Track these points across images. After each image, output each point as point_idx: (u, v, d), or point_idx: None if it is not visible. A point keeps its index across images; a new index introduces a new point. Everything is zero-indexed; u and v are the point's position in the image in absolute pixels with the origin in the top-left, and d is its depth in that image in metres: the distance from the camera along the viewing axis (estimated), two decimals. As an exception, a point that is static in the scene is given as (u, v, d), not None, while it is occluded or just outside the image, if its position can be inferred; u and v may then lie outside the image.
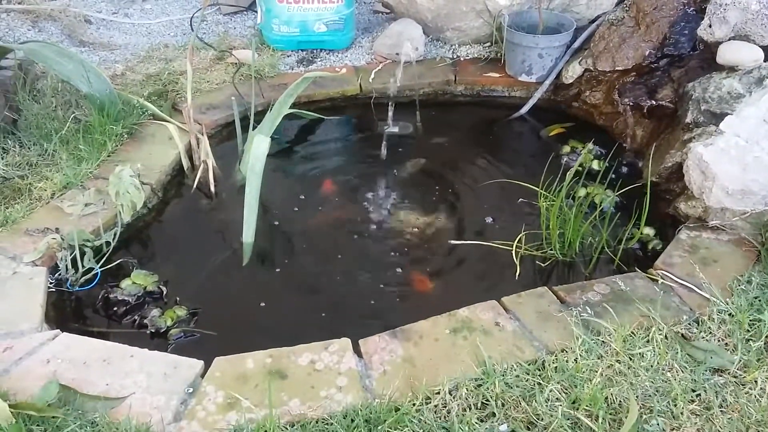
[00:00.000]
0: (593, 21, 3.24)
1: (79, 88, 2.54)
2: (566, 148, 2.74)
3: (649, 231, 2.25)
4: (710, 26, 2.53)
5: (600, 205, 2.30)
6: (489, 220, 2.39)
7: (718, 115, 2.31)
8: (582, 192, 2.36)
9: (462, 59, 3.38)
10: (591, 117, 2.97)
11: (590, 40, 3.05)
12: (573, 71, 3.04)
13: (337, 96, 3.11)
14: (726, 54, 2.42)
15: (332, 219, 2.39)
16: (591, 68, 2.95)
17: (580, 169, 2.44)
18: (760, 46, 2.40)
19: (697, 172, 2.21)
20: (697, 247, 2.08)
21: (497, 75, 3.24)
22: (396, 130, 2.89)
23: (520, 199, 2.42)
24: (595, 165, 2.60)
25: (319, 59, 3.38)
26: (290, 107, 2.63)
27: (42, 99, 2.61)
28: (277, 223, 2.37)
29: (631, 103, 2.71)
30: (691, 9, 2.79)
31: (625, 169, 2.64)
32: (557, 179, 2.22)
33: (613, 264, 2.14)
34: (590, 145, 2.67)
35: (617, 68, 2.85)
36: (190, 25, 3.66)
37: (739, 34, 2.46)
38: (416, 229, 2.34)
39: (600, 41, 2.96)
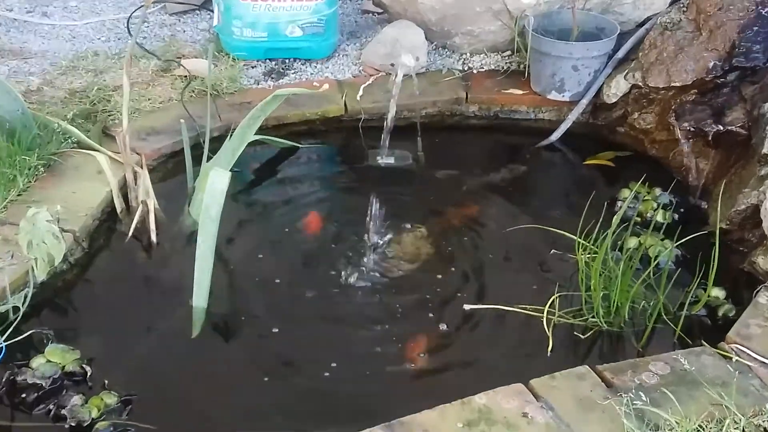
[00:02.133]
0: (641, 24, 3.27)
1: (-19, 108, 2.56)
2: (624, 192, 2.73)
3: (718, 292, 2.25)
4: (791, 31, 2.56)
5: (655, 260, 2.28)
6: (513, 277, 2.40)
7: (803, 144, 2.33)
8: (632, 242, 2.34)
9: (475, 72, 3.42)
10: (641, 145, 3.02)
11: (638, 48, 3.08)
12: (617, 88, 3.07)
13: (316, 118, 3.12)
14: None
15: (310, 274, 2.39)
16: (640, 84, 2.98)
17: (639, 219, 2.46)
18: None
19: (778, 217, 2.21)
20: (780, 313, 2.10)
21: (520, 92, 3.28)
22: (392, 161, 2.91)
23: (553, 251, 2.43)
24: (659, 217, 2.60)
25: (292, 71, 3.39)
26: (256, 133, 2.62)
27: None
28: (238, 280, 2.36)
29: (691, 129, 2.74)
30: (766, 9, 2.80)
31: (686, 213, 2.67)
32: (599, 225, 2.22)
33: (674, 336, 2.14)
34: (657, 191, 2.72)
35: (673, 84, 2.87)
36: (127, 27, 3.64)
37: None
38: (419, 290, 2.34)
39: (651, 50, 2.98)
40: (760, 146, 2.46)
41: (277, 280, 2.38)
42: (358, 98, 3.19)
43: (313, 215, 2.64)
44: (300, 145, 3.00)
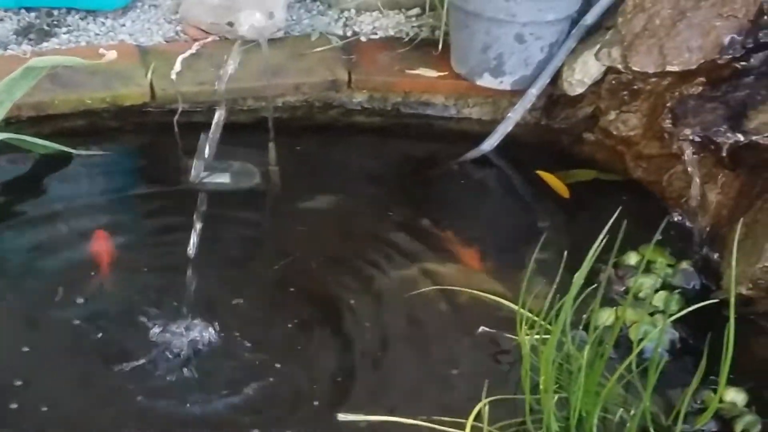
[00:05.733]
0: (622, -26, 3.19)
1: None
2: (629, 257, 2.73)
3: (735, 396, 2.27)
4: None
5: (640, 344, 2.24)
6: (416, 372, 2.38)
7: None
8: (604, 316, 2.33)
9: (364, 39, 3.44)
10: (619, 161, 3.08)
11: (616, 12, 3.08)
12: (584, 72, 3.11)
13: (103, 108, 3.10)
14: None
15: (84, 373, 2.28)
16: (619, 67, 3.02)
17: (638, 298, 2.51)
18: None
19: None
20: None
21: (434, 74, 3.29)
22: (225, 180, 2.92)
23: (482, 328, 2.44)
24: (671, 302, 2.59)
25: (64, 29, 3.37)
26: (-1, 129, 2.46)
27: None
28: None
29: (697, 138, 2.79)
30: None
31: (687, 269, 2.70)
32: (553, 289, 2.16)
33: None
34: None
35: (670, 69, 2.93)
36: None
37: None
38: (270, 396, 2.28)
39: (635, 15, 3.00)
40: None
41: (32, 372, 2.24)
42: (174, 76, 3.14)
43: (98, 240, 2.64)
44: (74, 152, 2.95)
